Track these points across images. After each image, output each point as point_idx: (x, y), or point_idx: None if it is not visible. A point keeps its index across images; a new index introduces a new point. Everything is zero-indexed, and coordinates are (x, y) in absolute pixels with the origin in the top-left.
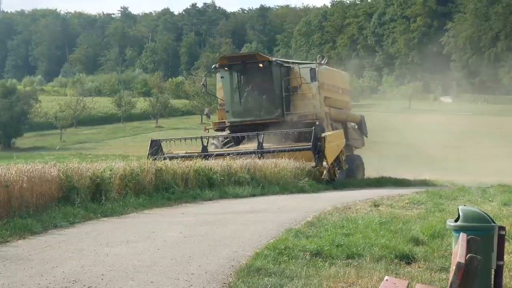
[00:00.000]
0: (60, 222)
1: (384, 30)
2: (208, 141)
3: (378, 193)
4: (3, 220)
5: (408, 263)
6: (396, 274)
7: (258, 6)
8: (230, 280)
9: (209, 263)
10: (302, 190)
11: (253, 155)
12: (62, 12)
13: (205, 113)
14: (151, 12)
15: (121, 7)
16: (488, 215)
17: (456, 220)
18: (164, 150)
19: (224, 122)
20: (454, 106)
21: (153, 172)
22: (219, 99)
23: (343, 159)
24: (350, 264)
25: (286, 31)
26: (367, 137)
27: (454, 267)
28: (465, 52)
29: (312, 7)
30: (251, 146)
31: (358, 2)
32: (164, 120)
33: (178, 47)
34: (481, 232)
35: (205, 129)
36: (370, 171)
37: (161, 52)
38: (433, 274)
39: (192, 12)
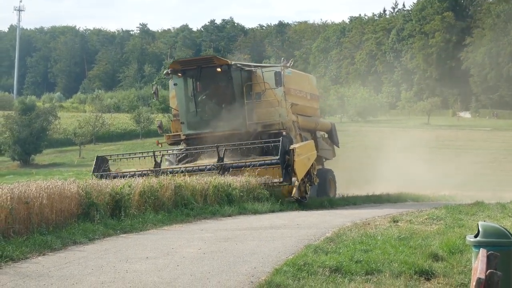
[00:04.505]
0: (79, 238)
1: (402, 46)
2: (162, 158)
3: (397, 209)
4: (23, 236)
5: (428, 279)
6: None
7: (276, 22)
8: None
9: (228, 279)
10: (321, 206)
11: (213, 171)
12: (81, 29)
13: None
14: (169, 29)
15: (140, 24)
16: (508, 231)
17: (476, 236)
18: (113, 167)
19: (179, 134)
20: (472, 122)
21: (172, 188)
22: (172, 109)
23: (315, 173)
24: (370, 280)
25: (305, 47)
26: (338, 147)
27: (474, 283)
28: (484, 67)
29: (330, 23)
30: (210, 161)
31: (376, 17)
32: None
33: None
34: (501, 248)
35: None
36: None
37: None
38: None
39: (211, 28)
